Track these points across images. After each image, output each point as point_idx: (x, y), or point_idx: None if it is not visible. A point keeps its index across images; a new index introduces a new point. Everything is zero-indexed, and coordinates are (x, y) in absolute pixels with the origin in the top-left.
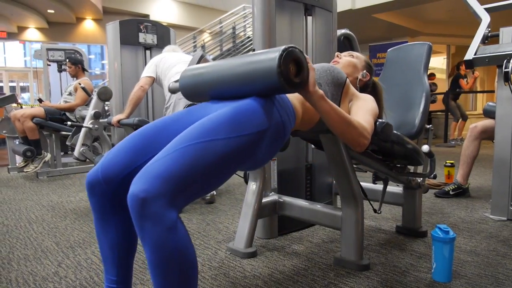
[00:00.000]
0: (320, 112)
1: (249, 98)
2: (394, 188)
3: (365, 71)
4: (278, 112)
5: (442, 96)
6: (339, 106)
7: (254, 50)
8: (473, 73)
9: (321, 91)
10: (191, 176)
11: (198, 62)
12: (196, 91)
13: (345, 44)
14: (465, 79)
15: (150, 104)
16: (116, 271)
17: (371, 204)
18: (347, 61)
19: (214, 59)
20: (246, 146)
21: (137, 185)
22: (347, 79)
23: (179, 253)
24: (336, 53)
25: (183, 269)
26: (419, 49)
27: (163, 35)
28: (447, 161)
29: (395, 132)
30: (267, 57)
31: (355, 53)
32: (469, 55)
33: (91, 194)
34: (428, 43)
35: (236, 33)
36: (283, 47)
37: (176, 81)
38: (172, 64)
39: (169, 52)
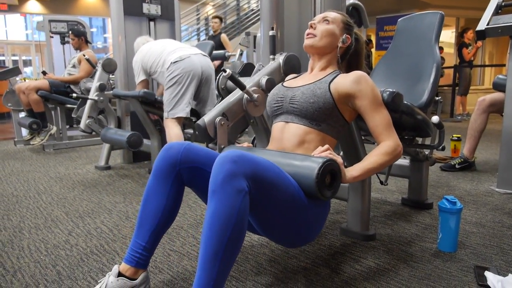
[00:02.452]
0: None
1: None
2: (401, 161)
3: (344, 35)
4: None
5: (450, 70)
6: (344, 121)
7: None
8: (475, 43)
9: (350, 175)
10: (272, 186)
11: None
12: None
13: (353, 15)
14: (468, 48)
15: (155, 84)
16: (148, 238)
17: (377, 176)
18: (324, 30)
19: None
20: (308, 212)
21: (233, 152)
22: (331, 93)
23: (238, 215)
24: (310, 23)
25: (235, 231)
26: (431, 18)
27: (167, 5)
28: (454, 135)
29: (405, 102)
30: (308, 165)
31: (330, 16)
32: (482, 25)
33: (163, 155)
34: (441, 12)
35: (240, 5)
36: (323, 159)
37: None
38: (159, 51)
39: (145, 44)
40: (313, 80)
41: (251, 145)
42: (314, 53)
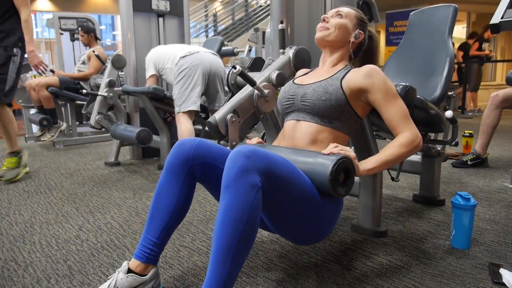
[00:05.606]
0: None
1: None
2: (412, 157)
3: (357, 30)
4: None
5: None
6: (357, 117)
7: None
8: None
9: (363, 168)
10: (285, 182)
11: None
12: None
13: (364, 9)
14: (481, 45)
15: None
16: (159, 234)
17: (389, 173)
18: (336, 24)
19: (225, 29)
20: (321, 209)
21: (246, 148)
22: (343, 90)
23: (251, 210)
24: (322, 17)
25: (248, 226)
26: (444, 11)
27: (176, 1)
28: (465, 131)
29: (418, 96)
30: (322, 162)
31: (343, 11)
32: (496, 18)
33: (176, 151)
34: (454, 5)
35: (249, 1)
36: (337, 157)
37: None
38: (171, 49)
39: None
40: (324, 77)
41: (261, 140)
42: (326, 46)
